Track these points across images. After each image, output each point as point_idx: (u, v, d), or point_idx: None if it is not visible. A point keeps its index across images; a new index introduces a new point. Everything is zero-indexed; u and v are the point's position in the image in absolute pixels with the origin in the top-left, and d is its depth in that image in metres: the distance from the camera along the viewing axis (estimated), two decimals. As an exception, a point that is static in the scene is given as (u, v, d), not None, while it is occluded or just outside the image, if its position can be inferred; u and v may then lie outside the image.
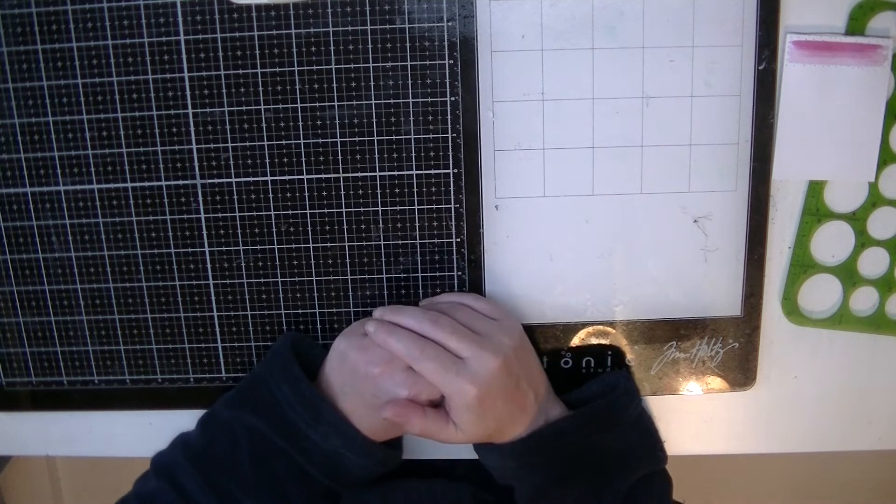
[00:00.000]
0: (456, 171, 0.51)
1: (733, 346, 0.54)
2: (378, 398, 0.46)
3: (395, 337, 0.46)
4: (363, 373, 0.46)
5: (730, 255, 0.52)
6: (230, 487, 0.46)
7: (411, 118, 0.50)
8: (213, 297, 0.53)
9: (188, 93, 0.50)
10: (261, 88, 0.50)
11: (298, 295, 0.53)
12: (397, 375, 0.46)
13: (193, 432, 0.50)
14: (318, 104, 0.50)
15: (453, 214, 0.51)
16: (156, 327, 0.54)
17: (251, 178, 0.51)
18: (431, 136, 0.50)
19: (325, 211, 0.51)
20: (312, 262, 0.52)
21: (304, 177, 0.51)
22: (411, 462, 0.54)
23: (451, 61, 0.49)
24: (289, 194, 0.51)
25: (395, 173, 0.51)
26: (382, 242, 0.52)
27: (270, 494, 0.46)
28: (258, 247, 0.52)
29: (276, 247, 0.52)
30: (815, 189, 0.51)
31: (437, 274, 0.52)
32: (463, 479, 0.54)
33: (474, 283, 0.52)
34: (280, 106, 0.50)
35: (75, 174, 0.51)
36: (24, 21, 0.49)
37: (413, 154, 0.51)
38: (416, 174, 0.51)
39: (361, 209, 0.51)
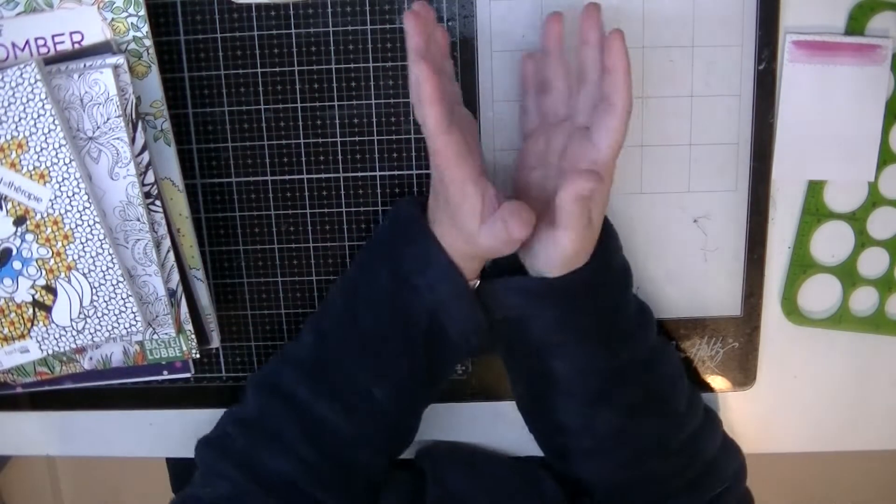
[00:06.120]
0: (456, 171, 0.51)
1: (733, 346, 0.54)
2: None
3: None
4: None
5: (730, 255, 0.52)
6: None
7: (411, 118, 0.50)
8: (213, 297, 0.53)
9: (188, 93, 0.50)
10: (261, 88, 0.50)
11: (298, 295, 0.53)
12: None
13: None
14: (318, 104, 0.50)
15: (453, 214, 0.51)
16: (156, 327, 0.54)
17: (251, 178, 0.51)
18: (431, 136, 0.50)
19: (325, 211, 0.51)
20: (312, 262, 0.52)
21: (304, 177, 0.51)
22: None
23: (451, 61, 0.49)
24: (289, 194, 0.51)
25: (395, 173, 0.51)
26: (382, 242, 0.52)
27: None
28: (258, 247, 0.52)
29: (276, 247, 0.52)
30: (815, 189, 0.51)
31: (437, 274, 0.52)
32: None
33: (474, 283, 0.52)
34: (280, 106, 0.50)
35: (75, 174, 0.51)
36: (25, 21, 0.49)
37: (413, 154, 0.51)
38: (416, 174, 0.51)
39: (361, 209, 0.51)
